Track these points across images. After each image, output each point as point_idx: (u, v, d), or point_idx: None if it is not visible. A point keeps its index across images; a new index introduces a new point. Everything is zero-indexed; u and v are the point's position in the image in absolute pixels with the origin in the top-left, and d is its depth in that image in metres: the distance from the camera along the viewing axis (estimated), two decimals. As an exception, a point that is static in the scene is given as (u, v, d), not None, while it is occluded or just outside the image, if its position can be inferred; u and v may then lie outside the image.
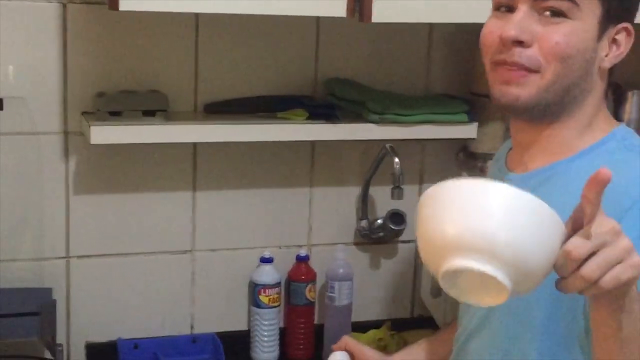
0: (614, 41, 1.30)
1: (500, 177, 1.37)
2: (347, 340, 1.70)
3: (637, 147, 1.30)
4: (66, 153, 2.03)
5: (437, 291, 2.16)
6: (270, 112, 2.06)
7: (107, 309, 2.13)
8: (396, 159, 2.09)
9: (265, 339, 2.16)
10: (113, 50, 2.01)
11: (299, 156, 2.21)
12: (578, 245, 0.98)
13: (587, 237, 0.99)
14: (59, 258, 2.07)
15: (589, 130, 1.31)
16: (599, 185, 1.01)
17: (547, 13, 1.25)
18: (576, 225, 1.03)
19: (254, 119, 2.04)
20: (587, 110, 1.31)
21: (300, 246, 2.24)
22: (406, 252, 2.32)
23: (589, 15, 1.25)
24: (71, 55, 1.99)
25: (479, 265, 0.90)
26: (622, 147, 1.29)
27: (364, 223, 2.26)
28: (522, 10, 1.25)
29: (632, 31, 1.31)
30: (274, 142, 2.11)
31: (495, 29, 1.28)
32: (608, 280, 0.98)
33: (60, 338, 2.06)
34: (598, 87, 1.32)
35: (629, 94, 2.27)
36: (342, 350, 1.65)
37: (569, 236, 1.01)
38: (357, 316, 2.24)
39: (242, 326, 2.22)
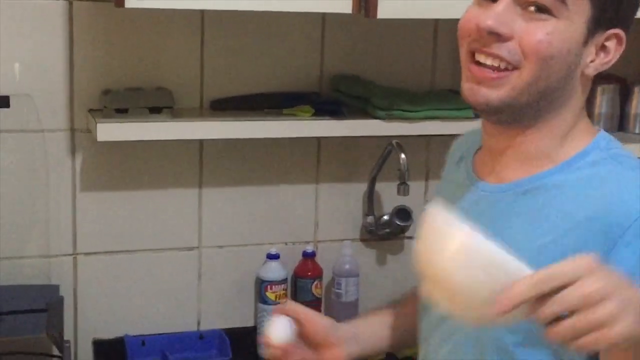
0: (603, 48, 1.18)
1: (468, 184, 1.28)
2: (292, 305, 1.39)
3: (623, 157, 1.20)
4: (73, 150, 2.04)
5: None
6: (276, 108, 2.06)
7: (114, 306, 2.13)
8: (402, 155, 2.09)
9: (272, 335, 2.16)
10: (119, 48, 2.02)
11: (305, 152, 2.21)
12: (545, 309, 0.91)
13: (560, 301, 0.90)
14: (66, 255, 2.08)
15: (568, 140, 1.20)
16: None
17: (532, 8, 1.13)
18: None
19: (260, 115, 2.04)
20: (565, 118, 1.20)
21: (306, 242, 2.24)
22: (412, 248, 2.32)
23: (577, 15, 1.14)
24: (77, 53, 1.99)
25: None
26: (608, 157, 1.19)
27: (370, 219, 2.26)
28: (505, 1, 1.14)
29: (624, 39, 1.18)
30: (280, 139, 2.11)
31: (474, 17, 1.17)
32: (584, 343, 0.90)
33: (68, 335, 2.06)
34: (579, 94, 1.20)
35: (635, 89, 2.27)
36: (284, 315, 1.34)
37: None
38: (364, 312, 2.24)
39: (248, 322, 2.22)
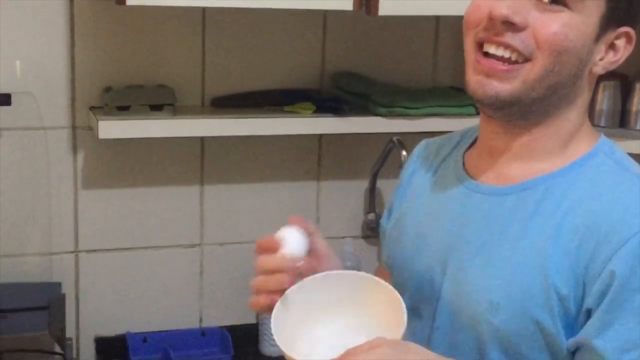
0: (612, 46, 1.15)
1: (458, 185, 1.23)
2: (309, 222, 1.27)
3: (628, 163, 1.17)
4: (74, 148, 2.04)
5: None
6: (277, 105, 2.07)
7: (116, 303, 2.13)
8: (404, 152, 2.09)
9: (274, 332, 2.16)
10: (120, 45, 2.02)
11: (307, 149, 2.21)
12: None
13: None
14: (68, 252, 2.08)
15: (573, 141, 1.17)
16: None
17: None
18: None
19: (261, 112, 2.04)
20: (571, 118, 1.17)
21: (308, 239, 2.24)
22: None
23: (592, 10, 1.10)
24: (78, 50, 1.99)
25: None
26: (613, 162, 1.16)
27: (371, 216, 2.26)
28: None
29: (634, 38, 1.15)
30: (281, 136, 2.11)
31: (485, 6, 1.11)
32: None
33: (70, 332, 2.06)
34: (585, 93, 1.17)
35: (637, 85, 2.26)
36: (297, 226, 1.23)
37: None
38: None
39: (250, 320, 2.22)
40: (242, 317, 2.23)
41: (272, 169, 2.19)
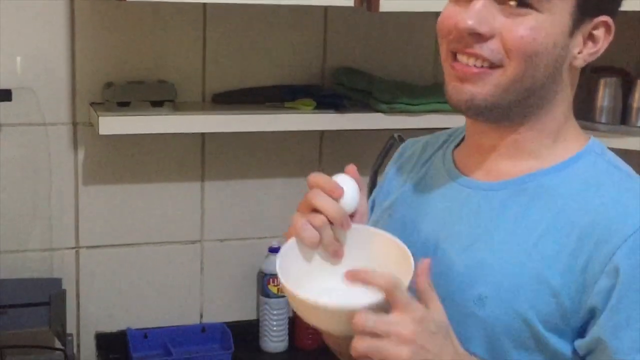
0: (591, 37, 1.12)
1: (449, 181, 1.22)
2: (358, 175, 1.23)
3: (620, 164, 1.16)
4: (75, 144, 2.04)
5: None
6: (278, 102, 2.07)
7: (116, 299, 2.13)
8: (404, 149, 2.09)
9: (274, 328, 2.17)
10: (121, 41, 2.02)
11: (307, 146, 2.21)
12: (361, 321, 0.97)
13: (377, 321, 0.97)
14: (69, 248, 2.08)
15: (561, 139, 1.16)
16: (427, 276, 1.01)
17: (512, 2, 1.07)
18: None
19: (262, 109, 2.04)
20: (555, 115, 1.15)
21: (308, 236, 2.23)
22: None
23: (560, 6, 1.08)
24: (79, 46, 1.99)
25: None
26: (605, 162, 1.15)
27: (372, 212, 2.26)
28: None
29: (612, 26, 1.13)
30: (282, 132, 2.11)
31: (452, 16, 1.12)
32: None
33: (70, 328, 2.06)
34: (567, 88, 1.15)
35: (638, 82, 2.26)
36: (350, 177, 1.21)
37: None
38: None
39: (251, 316, 2.23)
40: (243, 313, 2.23)
41: (273, 165, 2.19)
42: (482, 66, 1.10)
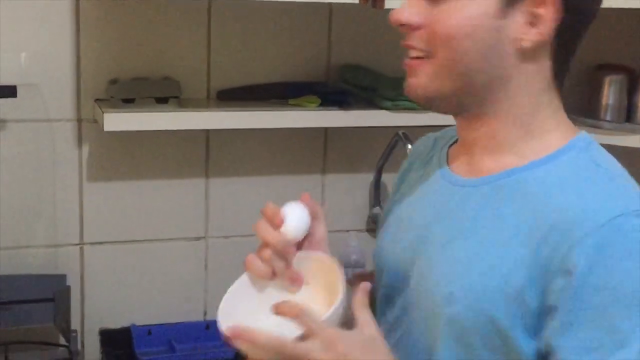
0: (534, 16, 1.08)
1: (440, 177, 1.23)
2: (317, 205, 1.29)
3: (604, 162, 1.12)
4: (79, 140, 2.04)
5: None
6: (282, 98, 2.06)
7: (120, 295, 2.14)
8: (409, 146, 2.09)
9: (278, 325, 2.16)
10: (126, 37, 2.02)
11: (312, 143, 2.21)
12: (282, 349, 1.04)
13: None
14: (73, 245, 2.08)
15: (538, 134, 1.13)
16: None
17: None
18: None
19: (267, 105, 2.04)
20: (519, 103, 1.12)
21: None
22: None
23: None
24: (84, 42, 1.99)
25: None
26: (587, 157, 1.11)
27: (376, 210, 2.26)
28: None
29: (557, 2, 1.07)
30: (286, 129, 2.11)
31: (393, 13, 1.15)
32: None
33: (75, 324, 2.07)
34: (527, 73, 1.11)
35: (644, 79, 2.26)
36: (302, 204, 1.26)
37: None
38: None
39: (255, 312, 2.22)
40: (247, 310, 2.23)
41: (277, 162, 2.19)
42: (417, 57, 1.12)
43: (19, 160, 2.00)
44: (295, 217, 1.19)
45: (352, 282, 1.19)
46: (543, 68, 1.12)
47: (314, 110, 2.04)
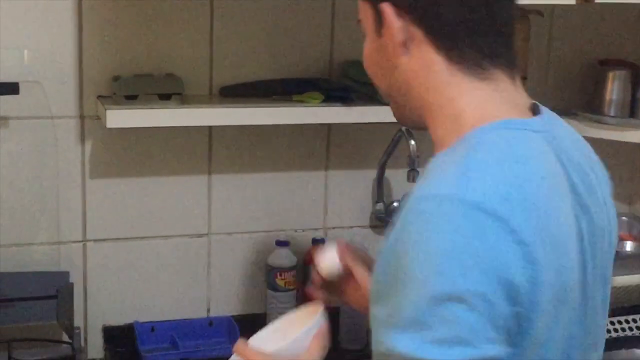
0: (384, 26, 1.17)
1: None
2: (351, 247, 1.41)
3: (459, 149, 1.04)
4: (82, 137, 2.04)
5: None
6: (285, 95, 2.06)
7: (123, 292, 2.13)
8: (412, 142, 2.08)
9: (282, 322, 2.16)
10: (128, 34, 2.01)
11: (315, 139, 2.21)
12: None
13: None
14: (76, 242, 2.08)
15: (456, 130, 1.09)
16: None
17: None
18: None
19: (270, 102, 2.03)
20: (419, 96, 1.16)
21: (316, 229, 2.24)
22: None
23: (366, 22, 1.24)
24: (86, 39, 1.99)
25: None
26: (461, 147, 1.04)
27: (379, 206, 2.25)
28: None
29: (390, 9, 1.15)
30: (289, 125, 2.11)
31: None
32: None
33: (78, 321, 2.06)
34: (409, 75, 1.16)
35: (647, 75, 2.25)
36: (335, 248, 1.39)
37: None
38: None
39: (258, 309, 2.22)
40: (250, 306, 2.23)
41: (280, 158, 2.19)
42: None
43: (21, 158, 2.00)
44: (324, 257, 1.38)
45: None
46: (434, 62, 1.12)
47: (317, 106, 2.03)
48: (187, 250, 2.17)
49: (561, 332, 1.05)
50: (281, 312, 2.15)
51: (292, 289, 2.17)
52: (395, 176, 2.24)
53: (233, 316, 2.16)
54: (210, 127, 2.12)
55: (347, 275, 1.38)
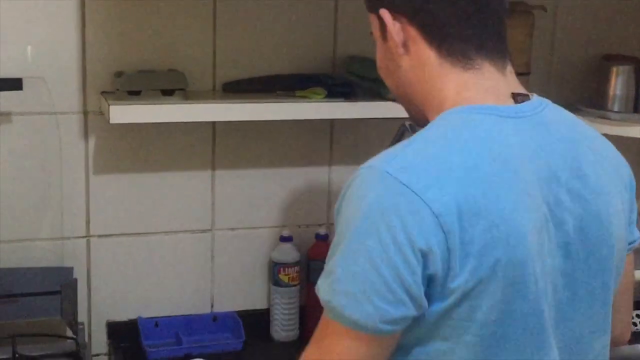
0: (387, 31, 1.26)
1: None
2: None
3: (424, 131, 1.21)
4: (85, 133, 2.04)
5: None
6: (288, 90, 2.06)
7: (127, 288, 2.14)
8: (415, 137, 2.08)
9: (285, 317, 2.17)
10: (131, 30, 2.01)
11: (318, 134, 2.21)
12: None
13: None
14: (80, 237, 2.08)
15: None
16: None
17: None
18: None
19: (273, 97, 2.03)
20: (401, 82, 1.29)
21: (319, 225, 2.24)
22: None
23: (375, 31, 1.29)
24: (89, 35, 1.99)
25: None
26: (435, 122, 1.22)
27: (383, 201, 2.25)
28: None
29: (387, 13, 1.25)
30: (292, 121, 2.11)
31: None
32: None
33: (82, 317, 2.07)
34: (410, 74, 1.26)
35: (651, 70, 2.25)
36: None
37: None
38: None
39: (262, 305, 2.23)
40: (254, 302, 2.23)
41: (284, 154, 2.19)
42: None
43: (25, 153, 2.01)
44: None
45: None
46: (428, 57, 1.22)
47: (320, 102, 2.03)
48: (191, 245, 2.17)
49: (525, 309, 1.10)
50: (285, 307, 2.17)
51: (295, 285, 2.17)
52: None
53: (237, 312, 2.17)
54: (213, 123, 2.12)
55: None
